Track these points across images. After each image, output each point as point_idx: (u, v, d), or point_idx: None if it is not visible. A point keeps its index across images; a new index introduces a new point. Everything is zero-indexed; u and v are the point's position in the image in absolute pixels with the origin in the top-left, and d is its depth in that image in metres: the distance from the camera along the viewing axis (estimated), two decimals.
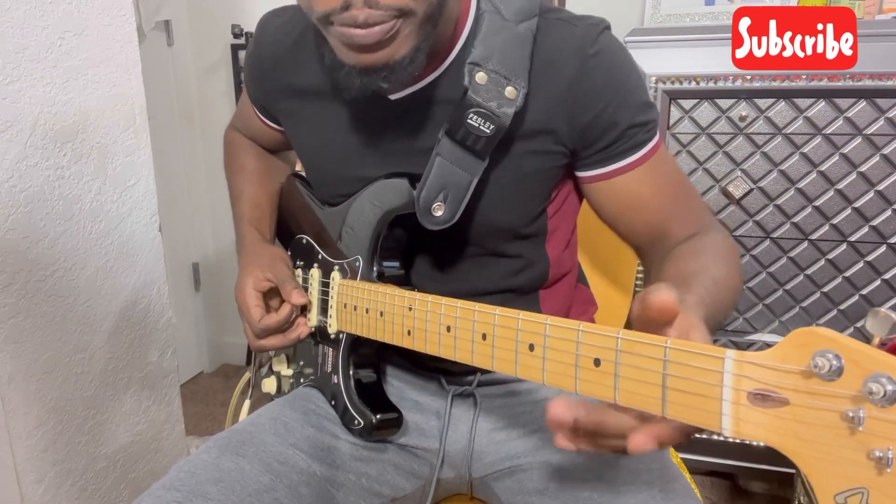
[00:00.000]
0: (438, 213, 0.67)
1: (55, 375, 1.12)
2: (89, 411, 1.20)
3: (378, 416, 0.73)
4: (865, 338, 0.89)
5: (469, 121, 0.65)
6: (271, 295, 0.81)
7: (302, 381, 0.84)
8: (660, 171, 0.71)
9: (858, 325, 1.44)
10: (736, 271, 0.63)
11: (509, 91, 0.65)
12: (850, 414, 0.33)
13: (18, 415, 1.07)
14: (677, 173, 0.74)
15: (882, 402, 0.31)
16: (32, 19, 1.02)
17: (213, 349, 2.40)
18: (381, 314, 0.67)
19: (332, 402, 0.78)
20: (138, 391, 1.30)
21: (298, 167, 0.97)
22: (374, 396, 0.75)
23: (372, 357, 0.78)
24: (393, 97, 0.71)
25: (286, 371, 0.88)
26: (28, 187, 1.04)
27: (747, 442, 1.50)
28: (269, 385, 0.89)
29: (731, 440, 1.51)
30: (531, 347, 0.49)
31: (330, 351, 0.78)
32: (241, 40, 2.01)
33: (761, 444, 1.51)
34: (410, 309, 0.62)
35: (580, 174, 0.73)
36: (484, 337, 0.53)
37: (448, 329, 0.57)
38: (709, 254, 0.63)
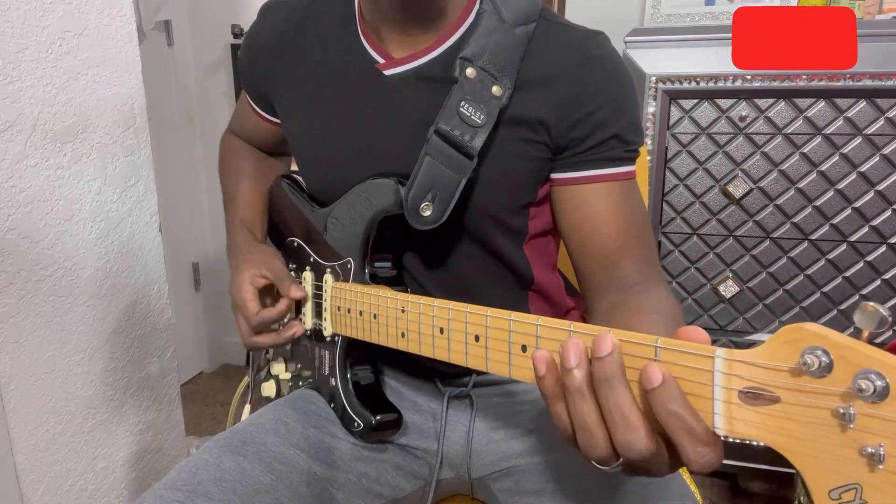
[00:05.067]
0: (427, 213, 0.67)
1: (55, 375, 1.12)
2: (89, 411, 1.20)
3: (377, 418, 0.72)
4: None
5: (462, 109, 0.66)
6: (266, 292, 0.81)
7: (301, 383, 0.84)
8: (627, 199, 0.71)
9: None
10: None
11: (495, 89, 0.67)
12: (841, 411, 0.33)
13: (18, 415, 1.07)
14: (643, 214, 0.74)
15: (872, 398, 0.31)
16: (32, 19, 1.02)
17: (213, 349, 2.40)
18: (375, 317, 0.66)
19: (332, 405, 0.77)
20: (138, 391, 1.31)
21: (294, 168, 0.97)
22: (372, 398, 0.75)
23: (369, 358, 0.77)
24: (387, 73, 0.73)
25: (284, 374, 0.88)
26: (28, 187, 1.04)
27: (747, 442, 1.50)
28: (269, 389, 0.89)
29: (730, 440, 1.51)
30: (524, 348, 0.49)
31: (326, 353, 0.78)
32: (241, 40, 2.01)
33: (761, 443, 1.51)
34: (403, 311, 0.62)
35: (554, 176, 0.73)
36: (477, 338, 0.53)
37: (441, 331, 0.57)
38: (659, 317, 0.60)
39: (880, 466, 0.31)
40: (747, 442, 1.50)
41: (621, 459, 0.42)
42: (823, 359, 0.33)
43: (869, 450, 0.32)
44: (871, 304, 0.34)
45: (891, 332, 1.40)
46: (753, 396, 0.36)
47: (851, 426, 0.32)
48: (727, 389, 0.37)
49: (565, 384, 0.42)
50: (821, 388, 0.34)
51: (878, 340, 1.26)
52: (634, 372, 0.41)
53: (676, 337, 0.41)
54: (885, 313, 0.34)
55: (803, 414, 0.34)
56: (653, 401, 0.39)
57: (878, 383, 0.31)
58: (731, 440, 1.51)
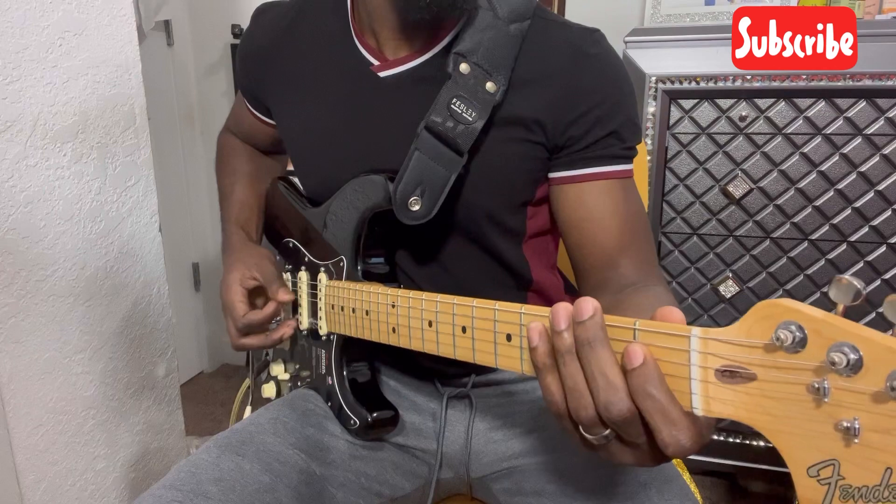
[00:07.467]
0: (415, 208, 0.67)
1: (55, 375, 1.12)
2: (89, 411, 1.20)
3: (373, 415, 0.73)
4: None
5: (453, 106, 0.66)
6: (257, 294, 0.81)
7: (299, 383, 0.84)
8: (625, 197, 0.71)
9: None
10: None
11: (489, 86, 0.67)
12: (816, 385, 0.32)
13: (18, 415, 1.07)
14: (642, 212, 0.73)
15: (846, 371, 0.31)
16: (32, 19, 1.02)
17: (213, 349, 2.40)
18: (367, 313, 0.67)
19: (329, 403, 0.78)
20: (138, 391, 1.30)
21: (290, 167, 0.97)
22: (369, 395, 0.75)
23: (365, 356, 0.77)
24: (382, 74, 0.73)
25: (283, 375, 0.88)
26: (28, 187, 1.04)
27: (747, 442, 1.50)
28: (269, 391, 0.89)
29: (730, 440, 1.51)
30: (508, 338, 0.49)
31: (323, 353, 0.78)
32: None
33: (761, 443, 1.51)
34: (394, 306, 0.62)
35: (552, 174, 0.73)
36: (464, 330, 0.54)
37: (430, 324, 0.57)
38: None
39: (856, 440, 0.31)
40: (748, 442, 1.50)
41: (608, 430, 0.42)
42: (797, 334, 0.33)
43: (844, 424, 0.31)
44: (846, 277, 0.34)
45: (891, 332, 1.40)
46: (730, 375, 0.36)
47: (826, 400, 0.32)
48: (703, 368, 0.37)
49: (556, 347, 0.43)
50: (795, 363, 0.33)
51: None
52: (616, 355, 0.42)
53: (653, 317, 0.41)
54: (859, 286, 0.34)
55: (779, 390, 0.34)
56: (632, 381, 0.40)
57: (852, 356, 0.30)
58: (730, 440, 1.51)
